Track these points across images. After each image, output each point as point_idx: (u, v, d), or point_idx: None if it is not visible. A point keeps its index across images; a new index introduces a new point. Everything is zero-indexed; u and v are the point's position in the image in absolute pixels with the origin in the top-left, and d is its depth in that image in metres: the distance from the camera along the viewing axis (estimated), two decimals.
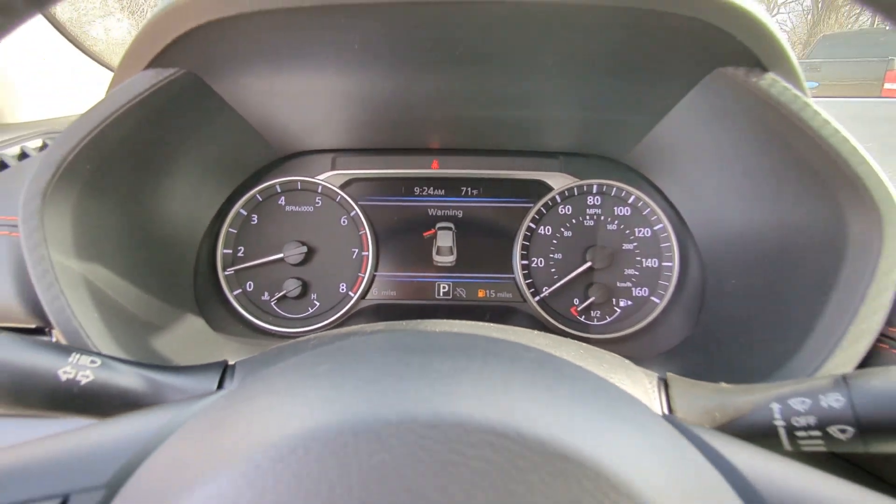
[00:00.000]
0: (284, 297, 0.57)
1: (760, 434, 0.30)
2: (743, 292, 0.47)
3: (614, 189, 0.58)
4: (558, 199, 0.58)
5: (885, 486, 0.39)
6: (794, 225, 0.42)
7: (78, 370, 0.30)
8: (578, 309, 0.57)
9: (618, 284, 0.57)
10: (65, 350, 0.30)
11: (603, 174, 0.58)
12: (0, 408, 0.30)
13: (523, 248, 0.58)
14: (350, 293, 0.58)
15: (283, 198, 0.59)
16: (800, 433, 0.28)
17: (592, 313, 0.57)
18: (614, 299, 0.57)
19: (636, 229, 0.57)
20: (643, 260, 0.57)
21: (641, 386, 0.34)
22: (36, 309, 0.38)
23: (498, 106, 0.50)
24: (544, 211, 0.58)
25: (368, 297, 0.59)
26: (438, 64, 0.43)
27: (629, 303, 0.57)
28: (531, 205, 0.58)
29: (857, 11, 13.44)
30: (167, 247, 0.50)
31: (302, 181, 0.59)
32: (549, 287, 0.57)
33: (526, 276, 0.58)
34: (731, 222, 0.49)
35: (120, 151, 0.41)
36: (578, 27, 0.37)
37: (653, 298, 0.57)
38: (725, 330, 0.48)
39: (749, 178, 0.45)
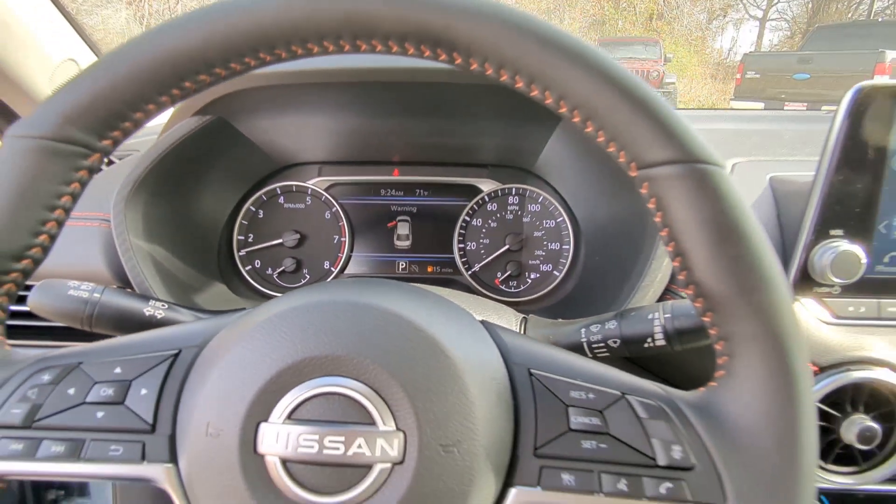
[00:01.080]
0: (283, 271, 0.78)
1: (574, 348, 0.50)
2: (602, 264, 0.68)
3: (528, 192, 0.78)
4: (486, 199, 0.78)
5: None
6: (630, 215, 0.62)
7: (155, 310, 0.50)
8: (500, 280, 0.78)
9: (529, 262, 0.77)
10: (145, 298, 0.51)
11: (519, 180, 0.78)
12: (109, 332, 0.50)
13: (460, 235, 0.78)
14: (332, 269, 0.79)
15: (282, 198, 0.79)
16: (594, 346, 0.49)
17: (510, 283, 0.78)
18: (526, 273, 0.77)
19: (544, 221, 0.78)
20: (548, 244, 0.77)
21: (508, 320, 0.54)
22: (119, 274, 0.59)
23: (440, 135, 0.70)
24: (476, 208, 0.78)
25: (346, 271, 0.79)
26: (398, 112, 0.64)
27: (537, 275, 0.77)
28: (466, 203, 0.78)
29: (857, 1, 13.47)
30: (199, 233, 0.70)
31: (296, 185, 0.79)
32: (479, 264, 0.78)
33: (462, 256, 0.78)
34: (601, 214, 0.70)
35: (173, 170, 0.61)
36: (478, 92, 0.57)
37: (554, 272, 0.77)
38: (590, 289, 0.68)
39: (610, 180, 0.65)
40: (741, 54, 9.61)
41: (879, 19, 9.47)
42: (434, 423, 0.29)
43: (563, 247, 0.77)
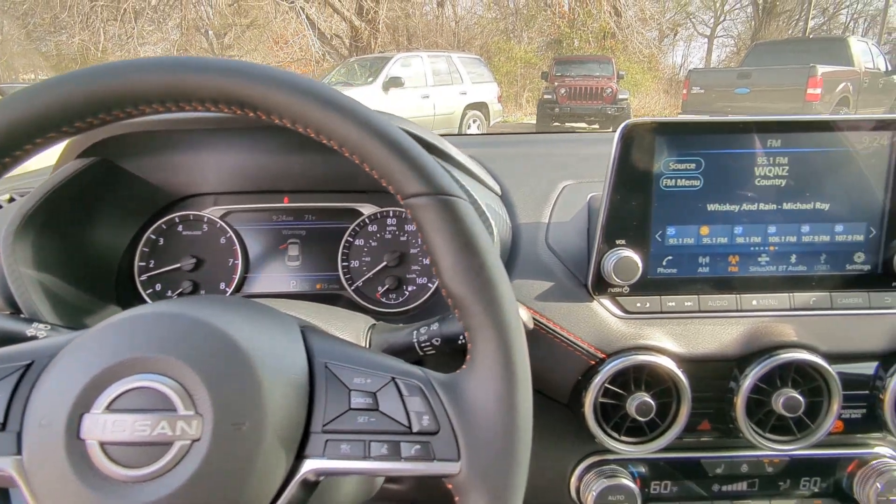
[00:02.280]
0: (182, 293, 0.85)
1: (408, 348, 0.59)
2: None
3: (403, 213, 0.87)
4: (367, 222, 0.88)
5: None
6: None
7: (37, 331, 0.58)
8: (380, 293, 0.87)
9: (406, 276, 0.87)
10: (29, 321, 0.58)
11: (396, 204, 0.87)
12: None
13: (344, 254, 0.87)
14: (227, 289, 0.86)
15: (180, 226, 0.87)
16: (422, 345, 0.58)
17: (390, 295, 0.87)
18: (404, 286, 0.87)
19: (418, 239, 0.87)
20: (422, 259, 0.87)
21: (356, 326, 0.63)
22: (11, 301, 0.66)
23: (325, 166, 0.79)
24: (358, 229, 0.87)
25: (242, 291, 0.87)
26: (286, 149, 0.73)
27: (413, 287, 0.87)
28: (349, 225, 0.87)
29: (796, 18, 14.34)
30: (94, 261, 0.77)
31: (193, 214, 0.87)
32: (361, 279, 0.87)
33: (346, 273, 0.87)
34: None
35: (61, 206, 0.69)
36: None
37: (428, 284, 0.86)
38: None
39: None
40: None
41: (811, 36, 10.13)
42: (226, 406, 0.38)
43: None
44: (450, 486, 0.40)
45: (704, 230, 0.63)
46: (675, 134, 0.61)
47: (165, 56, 0.42)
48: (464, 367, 0.43)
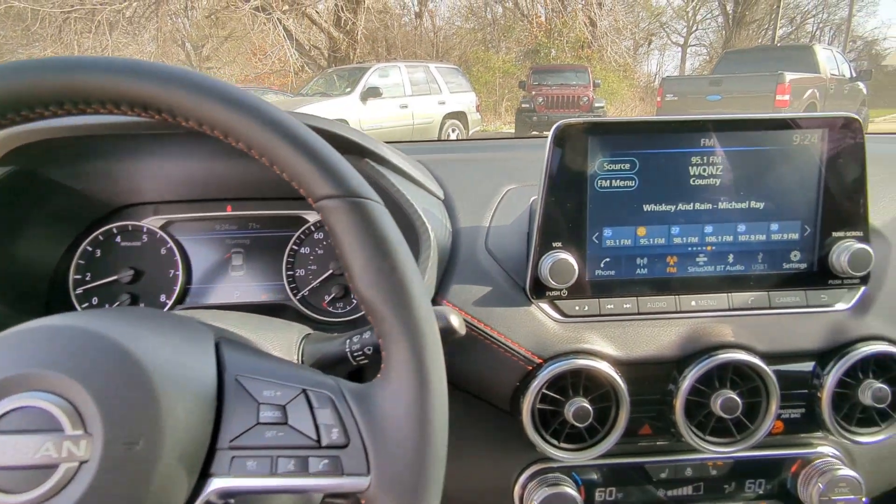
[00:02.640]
0: (119, 305, 0.82)
1: (341, 358, 0.57)
2: None
3: None
4: (313, 229, 0.86)
5: None
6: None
7: None
8: (327, 302, 0.84)
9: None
10: None
11: None
12: None
13: (289, 263, 0.85)
14: (167, 301, 0.83)
15: (118, 237, 0.84)
16: (355, 354, 0.56)
17: (336, 304, 0.85)
18: (351, 294, 0.85)
19: None
20: None
21: (288, 337, 0.60)
22: None
23: (269, 172, 0.77)
24: (303, 237, 0.85)
25: (185, 303, 0.84)
26: (228, 155, 0.70)
27: None
28: (294, 233, 0.85)
29: (765, 27, 14.76)
30: (19, 275, 0.74)
31: (132, 224, 0.84)
32: (307, 288, 0.84)
33: (290, 282, 0.85)
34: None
35: None
36: None
37: None
38: None
39: None
40: None
41: (779, 45, 10.42)
42: (118, 424, 0.35)
43: None
44: (363, 503, 0.38)
45: (641, 231, 0.62)
46: (608, 134, 0.60)
47: (62, 56, 0.39)
48: (378, 376, 0.41)
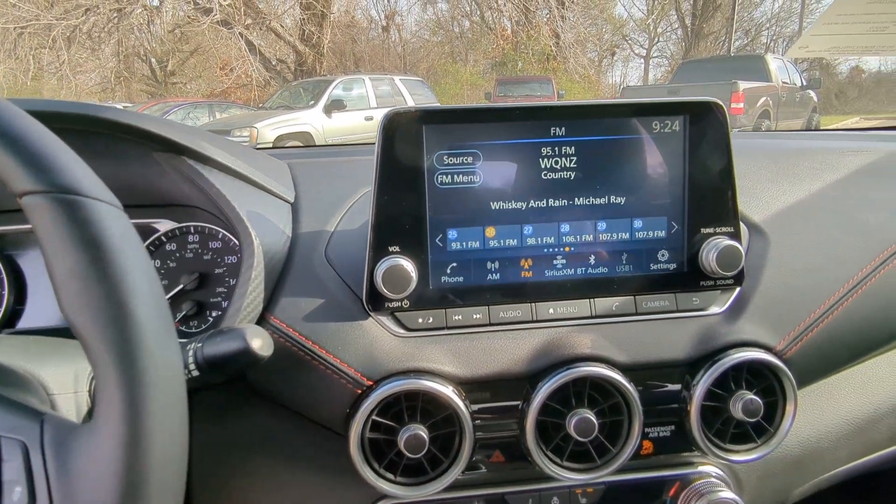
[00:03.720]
0: None
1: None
2: None
3: (206, 229, 0.77)
4: (164, 240, 0.77)
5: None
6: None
7: None
8: (178, 321, 0.75)
9: (210, 300, 0.76)
10: None
11: (198, 219, 0.77)
12: None
13: None
14: None
15: None
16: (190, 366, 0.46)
17: (190, 322, 0.76)
18: (207, 311, 0.76)
19: (225, 257, 0.77)
20: (229, 279, 0.76)
21: (82, 368, 0.51)
22: None
23: (116, 179, 0.68)
24: (153, 249, 0.76)
25: (15, 326, 0.74)
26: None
27: (218, 312, 0.76)
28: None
29: (722, 39, 15.25)
30: None
31: None
32: None
33: None
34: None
35: None
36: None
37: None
38: None
39: None
40: None
41: (733, 55, 10.76)
42: None
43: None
44: None
45: (490, 232, 0.56)
46: (445, 123, 0.53)
47: None
48: (89, 418, 0.33)
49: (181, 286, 0.75)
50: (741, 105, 7.41)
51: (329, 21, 13.27)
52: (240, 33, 11.98)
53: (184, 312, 0.75)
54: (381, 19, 16.78)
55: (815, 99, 8.85)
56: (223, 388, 0.60)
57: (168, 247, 0.77)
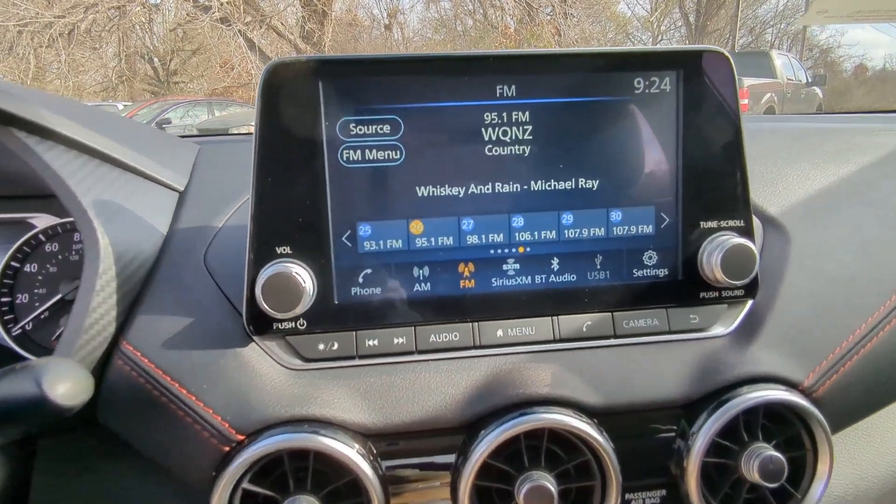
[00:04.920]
0: None
1: None
2: None
3: None
4: (42, 238, 0.62)
5: None
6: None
7: None
8: (55, 338, 0.61)
9: None
10: None
11: None
12: None
13: (5, 286, 0.61)
14: None
15: None
16: None
17: None
18: None
19: None
20: None
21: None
22: None
23: None
24: (28, 250, 0.62)
25: None
26: None
27: None
28: (12, 244, 0.62)
29: (726, 36, 15.05)
30: None
31: None
32: (28, 318, 0.61)
33: (7, 313, 0.61)
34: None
35: None
36: None
37: None
38: None
39: None
40: None
41: (737, 51, 10.58)
42: None
43: None
44: None
45: (417, 227, 0.41)
46: (351, 78, 0.39)
47: None
48: None
49: (59, 296, 0.61)
50: (745, 101, 7.30)
51: (330, 19, 13.17)
52: (239, 31, 11.87)
53: (62, 329, 0.61)
54: (383, 17, 16.65)
55: (821, 95, 8.69)
56: (76, 434, 0.46)
57: (48, 247, 0.63)
